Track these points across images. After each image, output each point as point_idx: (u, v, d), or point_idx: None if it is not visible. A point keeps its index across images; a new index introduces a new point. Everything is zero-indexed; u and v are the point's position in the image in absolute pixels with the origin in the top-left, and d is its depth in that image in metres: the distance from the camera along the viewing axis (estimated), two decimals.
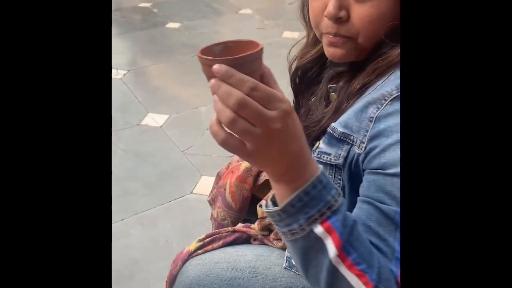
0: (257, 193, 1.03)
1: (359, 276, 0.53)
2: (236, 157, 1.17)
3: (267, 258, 0.88)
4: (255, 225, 0.95)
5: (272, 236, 0.92)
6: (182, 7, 3.89)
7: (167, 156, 2.09)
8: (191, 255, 0.90)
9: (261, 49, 0.48)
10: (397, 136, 0.59)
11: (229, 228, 0.96)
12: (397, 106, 0.61)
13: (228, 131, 0.47)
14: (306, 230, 0.51)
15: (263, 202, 0.55)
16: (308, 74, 0.84)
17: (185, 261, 0.89)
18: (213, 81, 0.45)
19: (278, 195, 0.52)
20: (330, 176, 0.69)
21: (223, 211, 1.02)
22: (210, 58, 0.46)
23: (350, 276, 0.53)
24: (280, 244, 0.90)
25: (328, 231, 0.51)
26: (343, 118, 0.67)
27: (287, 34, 3.29)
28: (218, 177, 1.12)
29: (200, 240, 0.93)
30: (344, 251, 0.52)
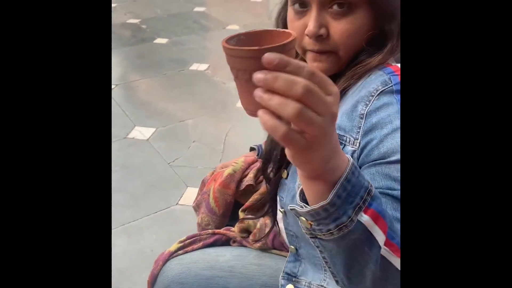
0: (239, 198, 1.07)
1: None
2: (220, 164, 1.20)
3: (245, 258, 0.91)
4: (235, 228, 0.99)
5: (250, 237, 0.95)
6: (170, 23, 3.95)
7: (153, 168, 2.12)
8: (172, 255, 0.93)
9: (296, 36, 0.44)
10: (391, 126, 0.62)
11: (209, 230, 0.99)
12: (384, 99, 0.65)
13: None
14: (354, 221, 0.48)
15: (295, 206, 0.51)
16: None
17: (166, 261, 0.93)
18: (262, 74, 0.40)
19: (315, 193, 0.49)
20: None
21: (206, 216, 1.05)
22: (256, 48, 0.41)
23: (397, 260, 0.51)
24: (257, 245, 0.93)
25: (374, 218, 0.49)
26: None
27: None
28: (203, 184, 1.16)
29: (180, 242, 0.96)
30: (388, 236, 0.51)
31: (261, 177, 1.03)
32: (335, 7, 0.67)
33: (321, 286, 0.79)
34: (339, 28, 0.68)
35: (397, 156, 0.60)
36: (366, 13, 0.68)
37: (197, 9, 4.32)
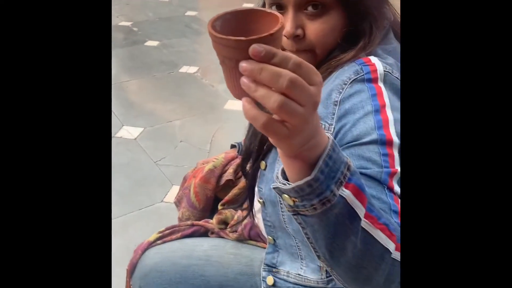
0: (219, 193, 1.10)
1: (383, 230, 0.53)
2: (201, 160, 1.24)
3: (222, 248, 0.94)
4: (213, 220, 1.02)
5: (228, 229, 0.99)
6: (161, 26, 3.99)
7: (140, 166, 2.15)
8: (151, 245, 0.96)
9: (283, 20, 0.44)
10: (363, 111, 0.67)
11: (188, 222, 1.03)
12: (357, 87, 0.69)
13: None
14: (337, 195, 0.49)
15: (278, 184, 0.52)
16: None
17: (144, 250, 0.96)
18: (248, 64, 0.41)
19: (295, 169, 0.49)
20: None
21: (187, 211, 1.08)
22: (243, 39, 0.40)
23: (376, 232, 0.53)
24: (234, 236, 0.96)
25: (354, 192, 0.51)
26: None
27: None
28: (184, 180, 1.18)
29: (160, 232, 0.99)
30: (367, 209, 0.52)
31: (241, 173, 1.07)
32: (309, 8, 0.71)
33: (299, 274, 0.83)
34: (314, 28, 0.73)
35: (369, 138, 0.65)
36: (339, 13, 0.73)
37: (189, 13, 4.36)
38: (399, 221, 0.59)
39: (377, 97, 0.68)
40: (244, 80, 0.42)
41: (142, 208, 1.89)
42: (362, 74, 0.70)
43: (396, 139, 0.65)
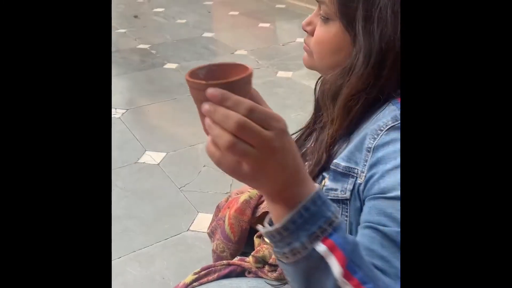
0: (255, 225, 1.06)
1: None
2: (235, 190, 1.20)
3: None
4: (250, 258, 0.97)
5: (266, 268, 0.94)
6: (179, 48, 4.00)
7: (164, 193, 2.11)
8: (187, 287, 0.92)
9: (251, 73, 0.48)
10: (394, 162, 0.63)
11: (224, 261, 0.98)
12: (393, 135, 0.65)
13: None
14: (309, 249, 0.49)
15: (260, 226, 0.53)
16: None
17: None
18: (207, 106, 0.44)
19: (276, 216, 0.50)
20: None
21: (222, 243, 1.05)
22: (204, 82, 0.45)
23: None
24: (274, 275, 0.91)
25: (331, 249, 0.49)
26: (345, 153, 0.71)
27: (281, 73, 3.37)
28: (218, 209, 1.16)
29: (195, 273, 0.95)
30: (349, 269, 0.50)
31: None
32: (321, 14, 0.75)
33: None
34: (317, 32, 0.77)
35: (394, 193, 0.61)
36: (338, 30, 0.73)
37: (205, 34, 4.37)
38: None
39: None
40: (206, 120, 0.45)
41: (168, 238, 1.84)
42: None
43: None
